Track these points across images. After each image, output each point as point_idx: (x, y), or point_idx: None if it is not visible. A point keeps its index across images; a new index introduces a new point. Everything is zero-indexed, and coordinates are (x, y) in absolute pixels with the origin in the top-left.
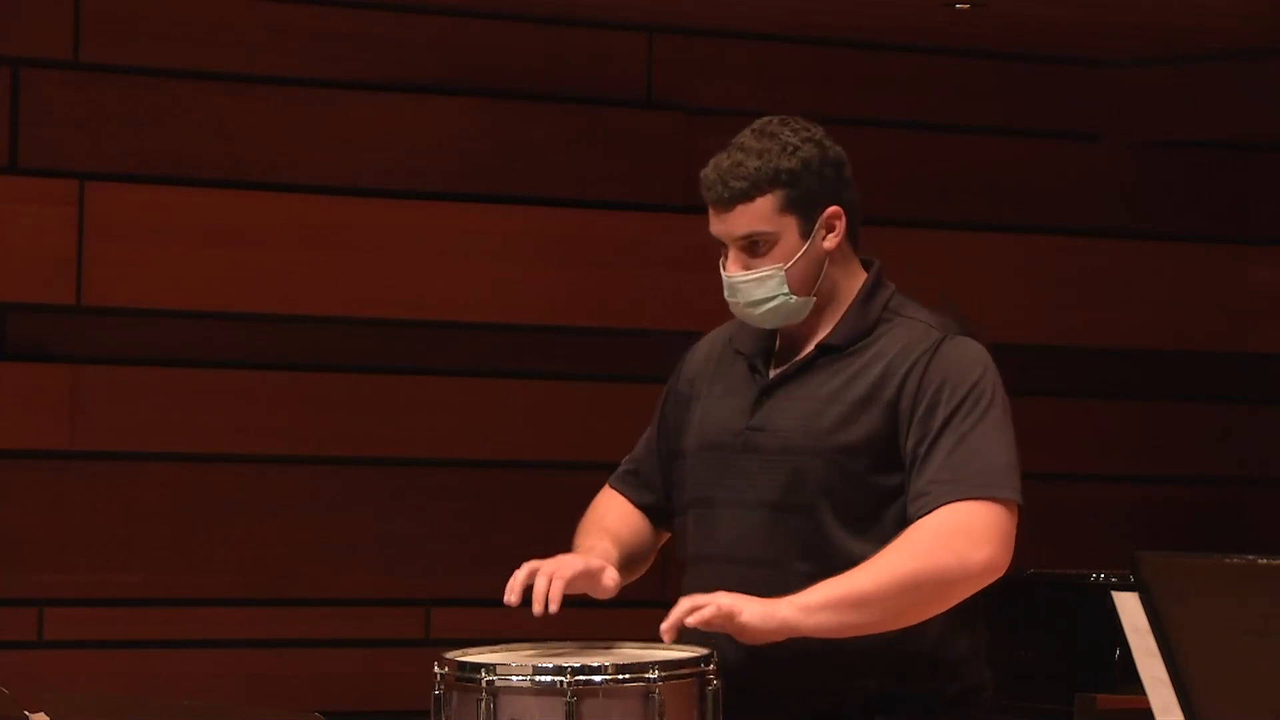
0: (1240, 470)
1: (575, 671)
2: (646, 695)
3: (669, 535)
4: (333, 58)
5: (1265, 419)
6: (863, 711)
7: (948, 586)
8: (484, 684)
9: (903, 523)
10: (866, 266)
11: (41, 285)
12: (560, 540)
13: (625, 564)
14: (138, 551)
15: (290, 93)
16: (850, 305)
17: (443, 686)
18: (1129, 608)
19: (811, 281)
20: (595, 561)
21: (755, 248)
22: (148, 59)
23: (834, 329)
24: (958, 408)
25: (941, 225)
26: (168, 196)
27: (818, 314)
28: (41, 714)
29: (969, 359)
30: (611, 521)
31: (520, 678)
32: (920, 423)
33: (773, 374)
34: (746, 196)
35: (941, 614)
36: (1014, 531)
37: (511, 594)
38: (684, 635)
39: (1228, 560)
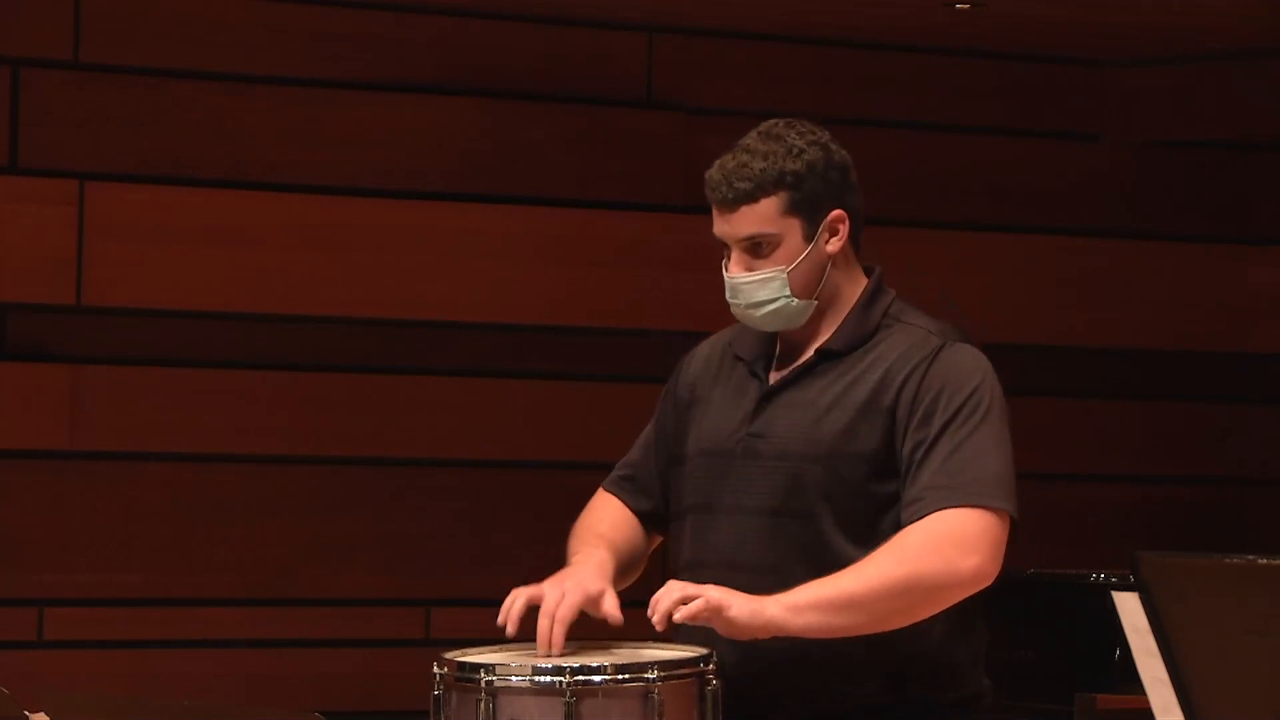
0: (1240, 470)
1: (574, 672)
2: (646, 695)
3: (661, 540)
4: (333, 58)
5: (1265, 419)
6: (863, 717)
7: (936, 592)
8: (483, 684)
9: (900, 529)
10: (867, 273)
11: (41, 285)
12: (560, 540)
13: (620, 571)
14: (138, 551)
15: (290, 93)
16: (851, 311)
17: (442, 686)
18: (1129, 608)
19: (814, 285)
20: (594, 586)
21: (758, 249)
22: (148, 59)
23: (834, 334)
24: (955, 415)
25: (941, 225)
26: (168, 196)
27: (818, 318)
28: (41, 714)
29: (968, 366)
30: (606, 528)
31: (520, 678)
32: (917, 429)
33: (773, 379)
34: (751, 198)
35: (942, 620)
36: (1004, 541)
37: (511, 625)
38: (682, 634)
39: (1228, 560)
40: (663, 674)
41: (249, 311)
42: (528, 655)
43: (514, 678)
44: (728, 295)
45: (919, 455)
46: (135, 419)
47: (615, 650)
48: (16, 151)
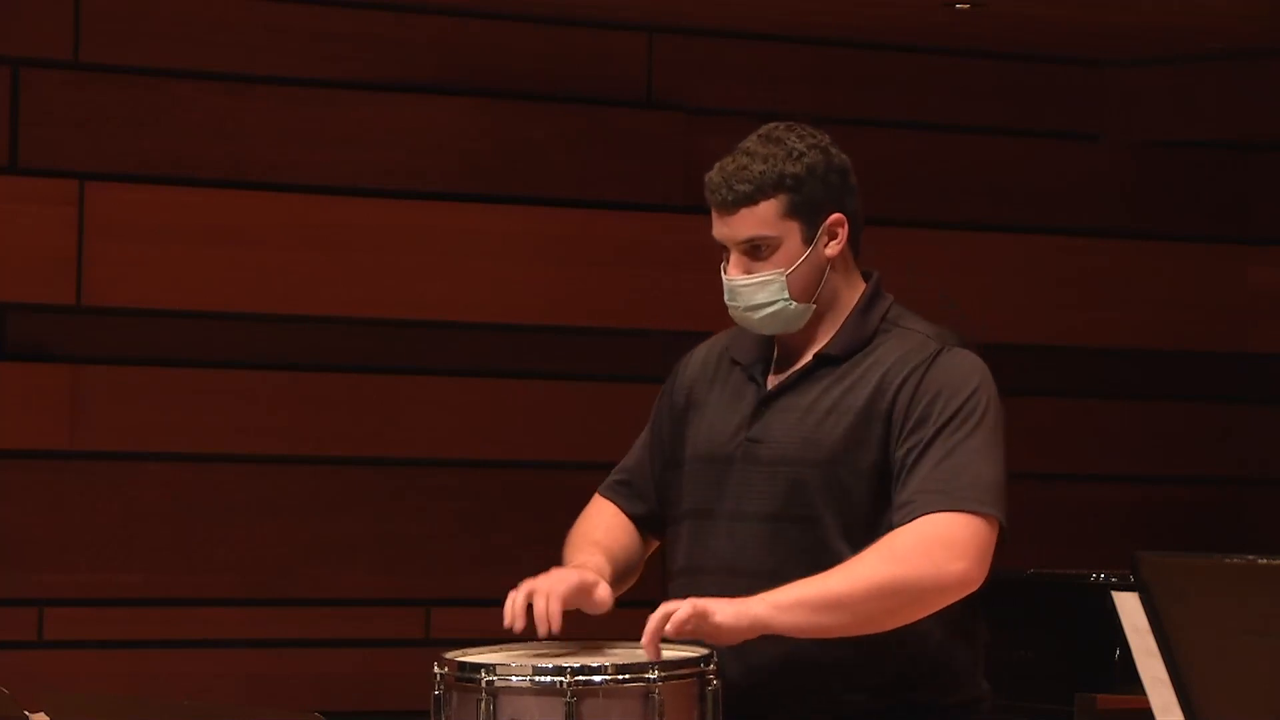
0: (1240, 470)
1: (575, 672)
2: (646, 695)
3: (657, 545)
4: (333, 58)
5: (1265, 419)
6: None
7: (922, 596)
8: (484, 684)
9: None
10: (866, 277)
11: (41, 285)
12: (560, 541)
13: (616, 578)
14: (138, 551)
15: (290, 93)
16: (849, 315)
17: (442, 686)
18: (1129, 608)
19: (812, 288)
20: (589, 576)
21: (757, 252)
22: (148, 59)
23: (832, 339)
24: (950, 420)
25: (941, 225)
26: (168, 196)
27: (816, 322)
28: (41, 714)
29: (965, 372)
30: (601, 535)
31: (520, 678)
32: (911, 432)
33: (770, 384)
34: (750, 200)
35: (942, 624)
36: (992, 547)
37: (518, 620)
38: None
39: (1228, 560)
40: (663, 674)
41: (249, 311)
42: (528, 655)
43: (514, 678)
44: (726, 298)
45: (912, 459)
46: (135, 419)
47: (615, 650)
48: (16, 151)
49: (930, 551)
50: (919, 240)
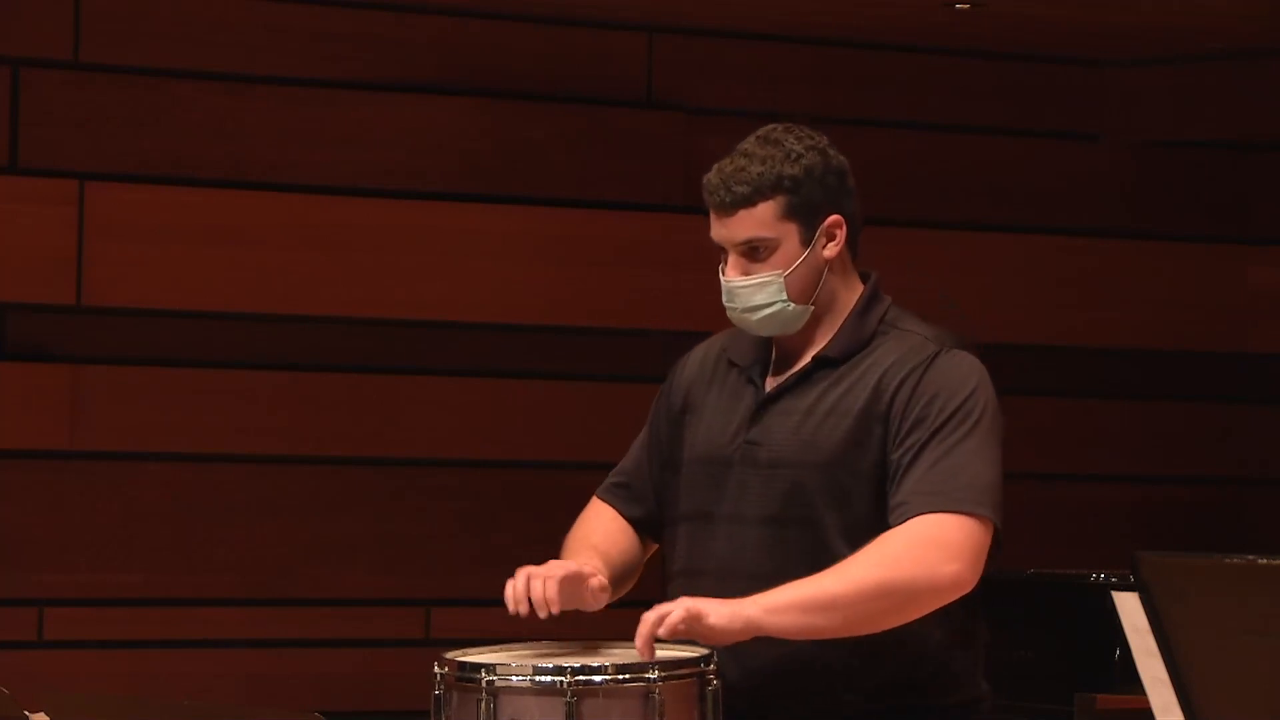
0: (1240, 470)
1: (575, 671)
2: (646, 695)
3: (656, 547)
4: (333, 58)
5: (1265, 419)
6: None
7: (914, 597)
8: (484, 684)
9: None
10: (864, 278)
11: (41, 285)
12: (560, 541)
13: (614, 580)
14: (138, 551)
15: (290, 93)
16: (847, 317)
17: (443, 686)
18: (1129, 608)
19: (810, 290)
20: (585, 567)
21: (755, 253)
22: (148, 59)
23: (831, 341)
24: (946, 421)
25: (941, 225)
26: (168, 196)
27: (814, 324)
28: (41, 714)
29: (962, 373)
30: (599, 538)
31: (520, 678)
32: (908, 434)
33: (769, 386)
34: (748, 202)
35: (943, 626)
36: (986, 550)
37: (520, 604)
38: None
39: (1228, 560)
40: (663, 674)
41: (249, 311)
42: (528, 655)
43: (514, 678)
44: (724, 299)
45: (907, 460)
46: (135, 419)
47: (616, 650)
48: (16, 151)
49: (923, 553)
50: (919, 240)
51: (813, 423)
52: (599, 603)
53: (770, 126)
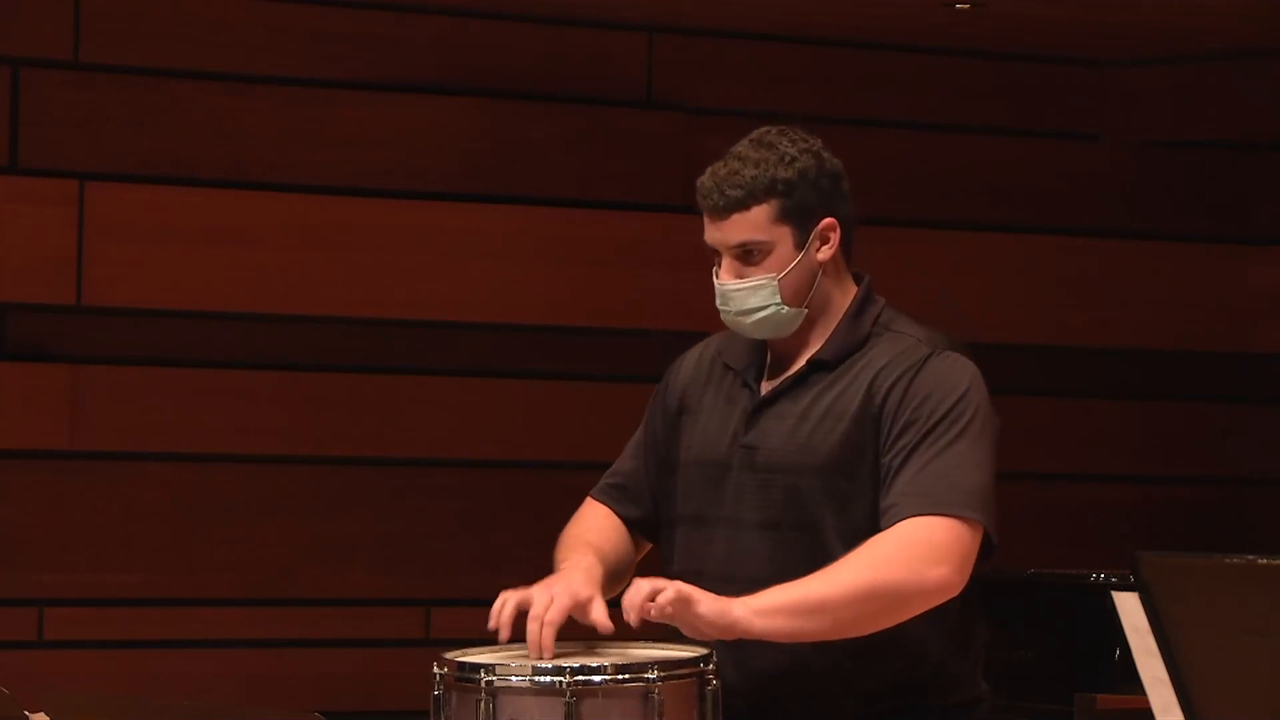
0: (1240, 470)
1: (574, 672)
2: (646, 695)
3: (650, 548)
4: (333, 58)
5: (1265, 419)
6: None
7: (902, 600)
8: (483, 684)
9: None
10: (857, 280)
11: (41, 285)
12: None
13: (608, 580)
14: (138, 551)
15: (290, 93)
16: (841, 320)
17: (442, 687)
18: (1129, 608)
19: (804, 293)
20: (583, 591)
21: (749, 257)
22: (148, 59)
23: (825, 344)
24: (937, 424)
25: (941, 225)
26: (168, 196)
27: (808, 327)
28: (41, 714)
29: (955, 375)
30: (595, 537)
31: (520, 678)
32: (899, 436)
33: (764, 390)
34: (742, 205)
35: (943, 628)
36: (974, 553)
37: (504, 630)
38: (676, 634)
39: (1228, 560)
40: (663, 674)
41: (249, 311)
42: (528, 655)
43: (514, 678)
44: (718, 302)
45: (898, 462)
46: (135, 419)
47: (615, 650)
48: (16, 151)
49: (911, 556)
50: (919, 240)
51: (807, 427)
52: (599, 622)
53: (764, 129)
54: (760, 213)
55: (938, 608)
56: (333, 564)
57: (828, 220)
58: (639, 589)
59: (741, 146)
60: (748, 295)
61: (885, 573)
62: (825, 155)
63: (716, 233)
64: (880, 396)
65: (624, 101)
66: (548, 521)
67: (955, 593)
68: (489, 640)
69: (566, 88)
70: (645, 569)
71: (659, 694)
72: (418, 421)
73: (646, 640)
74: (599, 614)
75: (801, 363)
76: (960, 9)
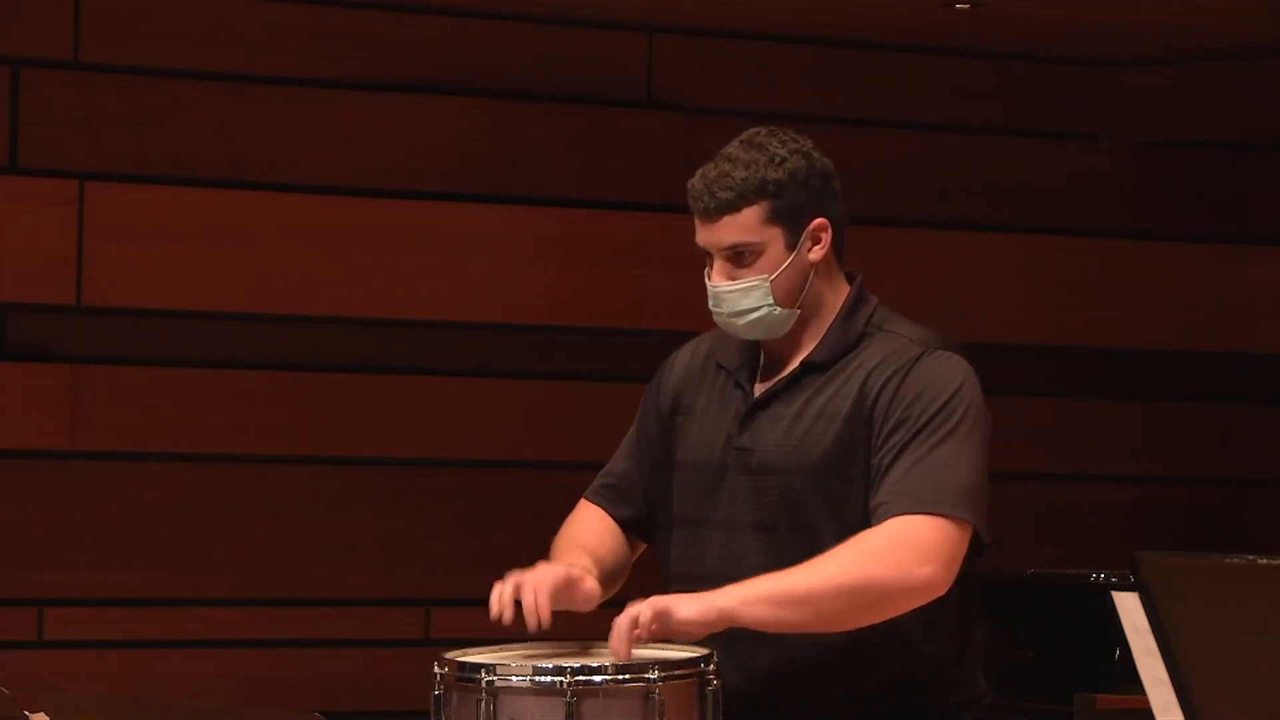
0: (1240, 470)
1: (575, 672)
2: (646, 695)
3: (644, 548)
4: (333, 58)
5: (1265, 419)
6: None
7: (886, 597)
8: (484, 684)
9: None
10: (849, 279)
11: (41, 285)
12: None
13: (603, 581)
14: (138, 551)
15: (290, 93)
16: (834, 321)
17: (442, 686)
18: (1129, 608)
19: (796, 293)
20: (575, 570)
21: (741, 258)
22: (148, 59)
23: (818, 346)
24: (928, 423)
25: (941, 225)
26: (168, 196)
27: (801, 327)
28: (41, 714)
29: (947, 374)
30: (588, 539)
31: (520, 678)
32: (890, 435)
33: (758, 391)
34: (733, 207)
35: (943, 627)
36: (962, 552)
37: (505, 610)
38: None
39: (1228, 560)
40: (663, 674)
41: (249, 311)
42: (528, 655)
43: (514, 678)
44: (710, 304)
45: (888, 460)
46: (135, 419)
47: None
48: (16, 151)
49: (898, 554)
50: (919, 240)
51: (801, 428)
52: (590, 604)
53: (754, 130)
54: (751, 214)
55: (937, 608)
56: (333, 564)
57: (819, 220)
58: (618, 627)
59: (731, 148)
60: (740, 297)
61: (872, 569)
62: (815, 155)
63: (708, 235)
64: (872, 396)
65: (624, 101)
66: (548, 521)
67: (941, 592)
68: (489, 640)
69: (566, 88)
70: (641, 568)
71: (659, 694)
72: (418, 421)
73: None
74: (590, 586)
75: (794, 364)
76: (960, 9)
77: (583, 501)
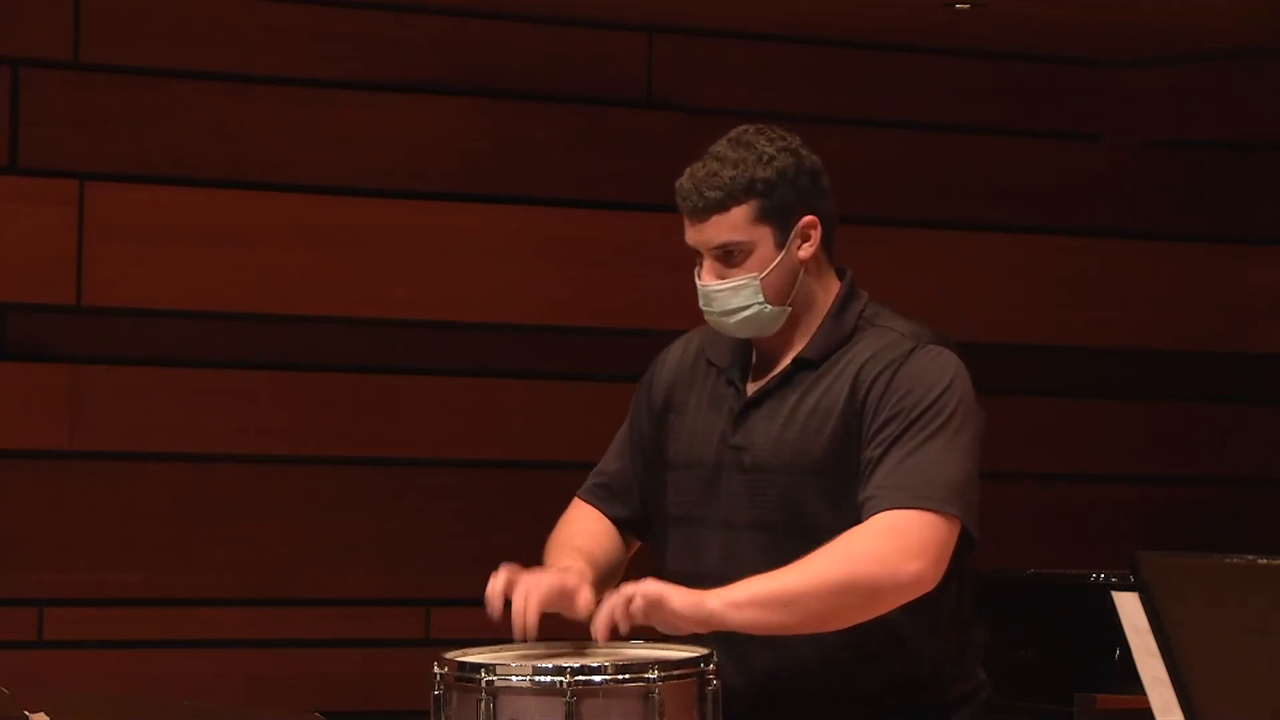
0: (1240, 470)
1: (575, 671)
2: (646, 695)
3: (639, 545)
4: (333, 58)
5: (1265, 419)
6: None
7: (875, 594)
8: (484, 684)
9: None
10: (840, 274)
11: (41, 285)
12: None
13: (599, 582)
14: (138, 551)
15: (290, 93)
16: (825, 317)
17: (442, 686)
18: (1129, 608)
19: (786, 291)
20: (571, 579)
21: (730, 257)
22: (148, 59)
23: (809, 343)
24: (917, 418)
25: (941, 225)
26: (168, 196)
27: (792, 325)
28: (41, 714)
29: (937, 369)
30: (583, 539)
31: (520, 678)
32: (880, 430)
33: (750, 390)
34: (721, 206)
35: (939, 624)
36: (950, 547)
37: (496, 600)
38: (677, 635)
39: (1228, 560)
40: (663, 674)
41: (249, 311)
42: (528, 655)
43: (514, 678)
44: (701, 303)
45: (878, 455)
46: (135, 419)
47: (616, 650)
48: (16, 151)
49: (886, 550)
50: (919, 240)
51: (795, 426)
52: (585, 613)
53: (742, 128)
54: (740, 213)
55: (935, 607)
56: (333, 564)
57: (808, 218)
58: (608, 607)
59: (720, 146)
60: (730, 295)
61: (860, 566)
62: (804, 153)
63: (697, 234)
64: (863, 390)
65: (624, 101)
66: (548, 521)
67: (930, 587)
68: (489, 640)
69: (566, 88)
70: (637, 567)
71: (659, 694)
72: (418, 421)
73: (644, 640)
74: (584, 598)
75: (786, 361)
76: (960, 9)
77: (576, 500)
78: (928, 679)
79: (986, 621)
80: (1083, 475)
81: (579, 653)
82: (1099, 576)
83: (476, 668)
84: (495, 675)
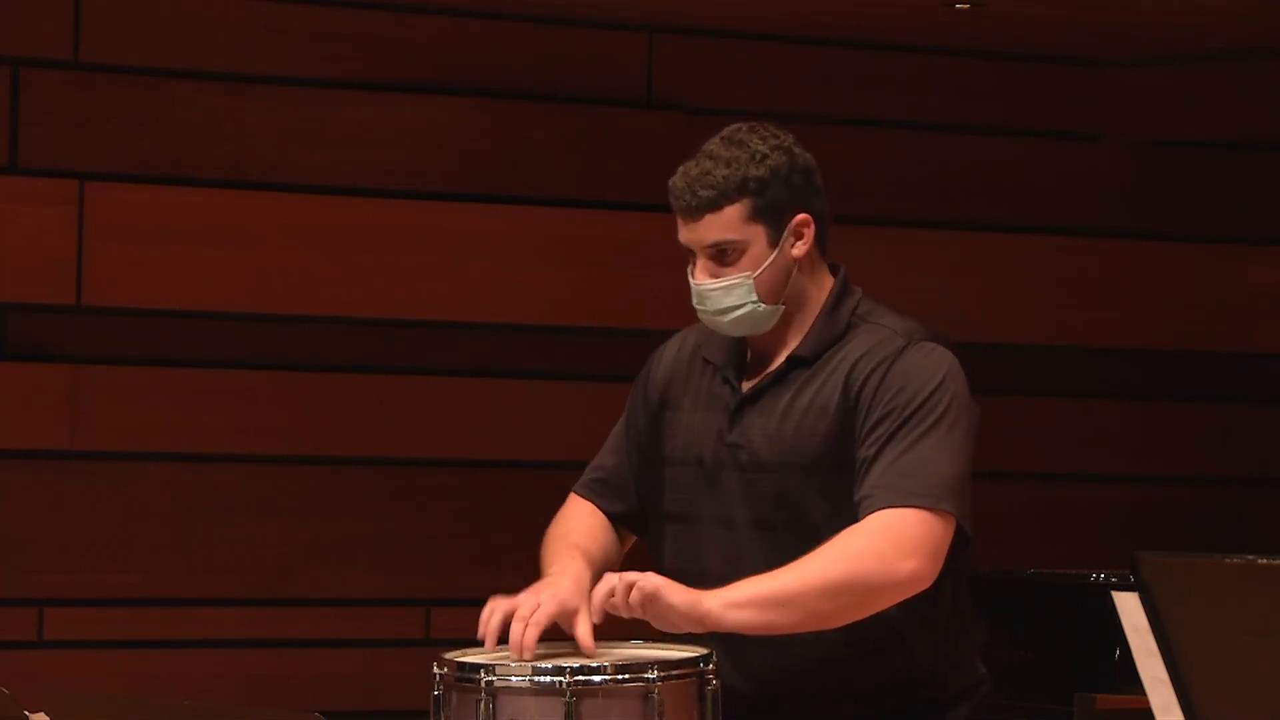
0: (1240, 470)
1: (574, 672)
2: (646, 695)
3: (634, 541)
4: (333, 58)
5: (1265, 419)
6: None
7: (872, 593)
8: (483, 684)
9: None
10: (833, 271)
11: (41, 285)
12: None
13: (596, 578)
14: (138, 551)
15: (290, 93)
16: (818, 315)
17: (442, 687)
18: (1129, 608)
19: (780, 289)
20: (571, 601)
21: (724, 256)
22: (148, 59)
23: (803, 340)
24: (911, 415)
25: (941, 225)
26: (168, 196)
27: (786, 323)
28: (41, 714)
29: (931, 366)
30: (581, 538)
31: (519, 678)
32: (874, 426)
33: (745, 388)
34: (714, 205)
35: (938, 622)
36: (946, 545)
37: (490, 639)
38: (676, 635)
39: (1228, 560)
40: (662, 674)
41: (249, 311)
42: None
43: (514, 678)
44: (694, 302)
45: (872, 453)
46: (135, 419)
47: (615, 650)
48: (16, 151)
49: (882, 549)
50: (919, 240)
51: (791, 424)
52: (586, 645)
53: (735, 126)
54: (733, 212)
55: (933, 607)
56: (333, 564)
57: (801, 216)
58: (605, 583)
59: (712, 144)
60: (723, 294)
61: (856, 565)
62: (797, 151)
63: (690, 233)
64: (856, 387)
65: (624, 101)
66: (547, 521)
67: (927, 584)
68: None
69: (566, 88)
70: (633, 565)
71: (659, 694)
72: (418, 421)
73: (642, 640)
74: (584, 633)
75: (781, 359)
76: (960, 9)
77: (573, 496)
78: (927, 676)
79: (986, 621)
80: (1083, 475)
81: (578, 653)
82: (1099, 576)
83: (476, 668)
84: (495, 675)
